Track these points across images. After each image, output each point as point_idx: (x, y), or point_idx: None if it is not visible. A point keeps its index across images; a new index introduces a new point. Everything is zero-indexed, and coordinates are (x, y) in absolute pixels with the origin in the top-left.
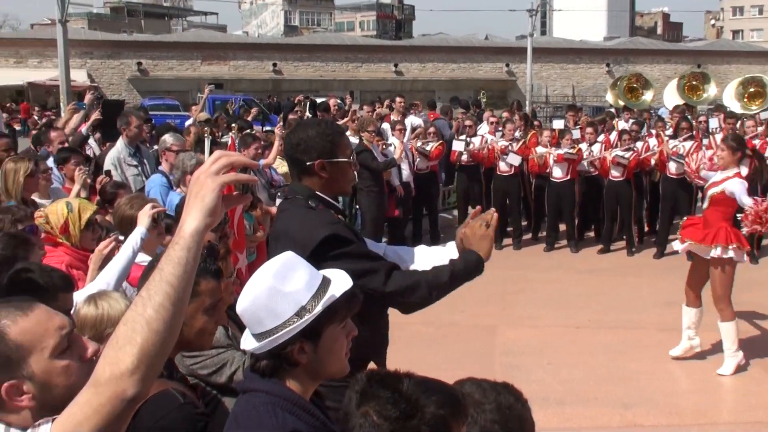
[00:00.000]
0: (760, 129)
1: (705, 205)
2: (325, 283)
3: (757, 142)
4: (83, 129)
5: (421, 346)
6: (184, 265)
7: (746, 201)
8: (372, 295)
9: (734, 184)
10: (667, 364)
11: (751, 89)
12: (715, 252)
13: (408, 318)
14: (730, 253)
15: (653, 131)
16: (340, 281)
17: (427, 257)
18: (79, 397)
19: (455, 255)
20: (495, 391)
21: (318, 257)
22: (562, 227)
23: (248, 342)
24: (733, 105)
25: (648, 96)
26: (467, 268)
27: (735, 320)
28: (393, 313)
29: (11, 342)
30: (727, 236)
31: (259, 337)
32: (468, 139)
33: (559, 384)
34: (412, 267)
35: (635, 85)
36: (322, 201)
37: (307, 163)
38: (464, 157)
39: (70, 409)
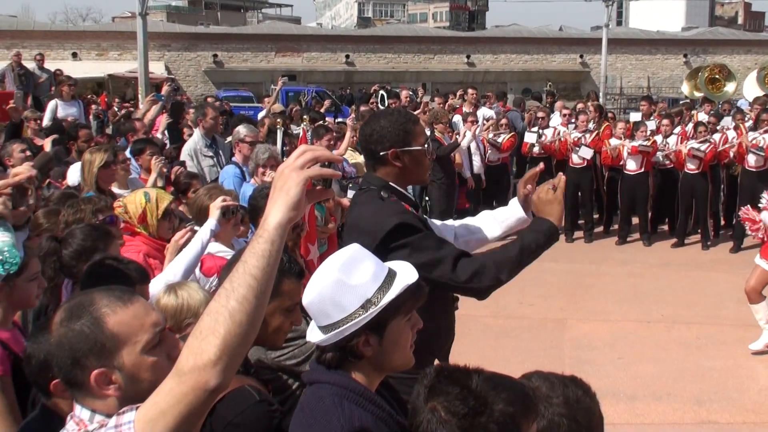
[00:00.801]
0: None
1: None
2: (391, 275)
3: None
4: (158, 133)
5: (490, 338)
6: (268, 257)
7: None
8: (437, 287)
9: None
10: (744, 360)
11: None
12: None
13: (477, 310)
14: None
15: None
16: (406, 274)
17: (493, 221)
18: (162, 386)
19: (519, 212)
20: (563, 384)
21: (386, 247)
22: (635, 220)
23: (314, 334)
24: None
25: (730, 87)
26: (539, 238)
27: (765, 301)
28: (462, 306)
29: (108, 331)
30: None
31: (325, 329)
32: (540, 131)
33: (631, 379)
34: (482, 236)
35: (717, 76)
36: (394, 192)
37: (381, 153)
38: (536, 149)
39: (154, 398)
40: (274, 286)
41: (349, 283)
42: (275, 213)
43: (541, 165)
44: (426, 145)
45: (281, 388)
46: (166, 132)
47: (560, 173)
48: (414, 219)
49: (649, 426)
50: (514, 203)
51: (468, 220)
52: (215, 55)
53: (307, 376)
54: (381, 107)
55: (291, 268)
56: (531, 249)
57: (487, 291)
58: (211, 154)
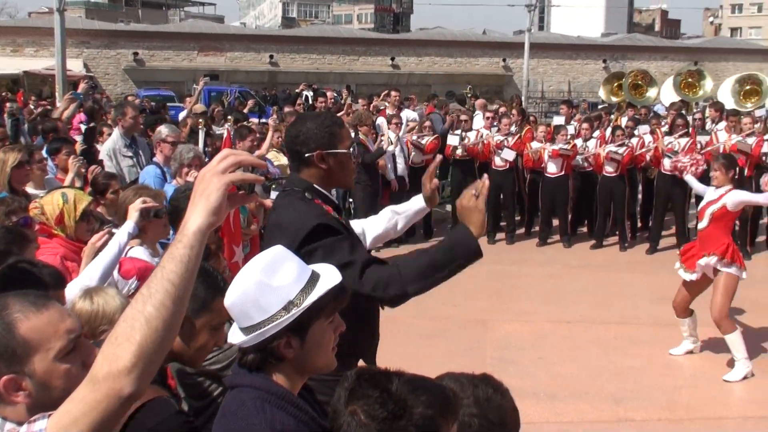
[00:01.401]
0: (757, 126)
1: (704, 224)
2: (314, 278)
3: (753, 139)
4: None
5: (413, 340)
6: (187, 263)
7: (761, 199)
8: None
9: (736, 193)
10: (660, 358)
11: (747, 87)
12: (724, 268)
13: (400, 312)
14: (731, 269)
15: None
16: (329, 276)
17: (393, 214)
18: (75, 393)
19: (419, 203)
20: (472, 384)
21: (303, 248)
22: (556, 222)
23: (236, 336)
24: (729, 102)
25: (652, 93)
26: (454, 257)
27: (737, 330)
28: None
29: (19, 337)
30: (733, 253)
31: (246, 330)
32: (463, 133)
33: (551, 378)
34: (383, 231)
35: (640, 82)
36: (318, 194)
37: (306, 155)
38: (459, 152)
39: (67, 405)
40: (207, 302)
41: (271, 285)
42: (195, 218)
43: (439, 157)
44: (351, 149)
45: (203, 393)
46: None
47: (485, 175)
48: (335, 221)
49: (568, 424)
50: (417, 199)
51: (370, 219)
52: (136, 53)
53: (228, 380)
54: (307, 108)
55: (225, 286)
56: (440, 267)
57: (392, 301)
58: (130, 154)
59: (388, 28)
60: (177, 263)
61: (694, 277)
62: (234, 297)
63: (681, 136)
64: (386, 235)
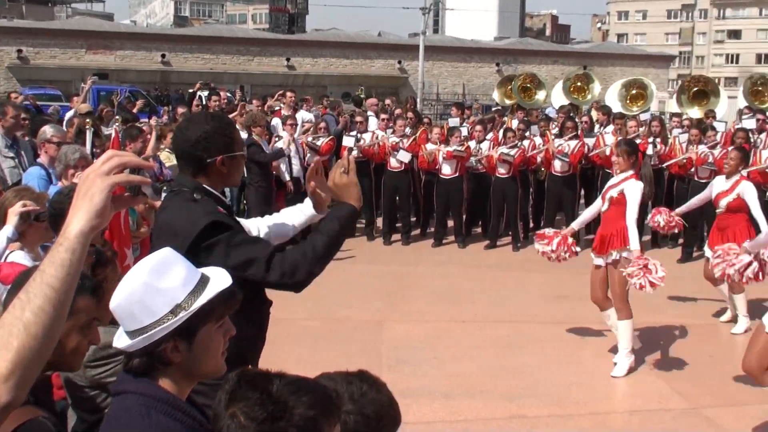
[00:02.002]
0: (642, 129)
1: (605, 207)
2: (204, 280)
3: (638, 141)
4: None
5: (308, 342)
6: (68, 267)
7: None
8: (251, 292)
9: (635, 189)
10: (552, 356)
11: (633, 91)
12: (615, 255)
13: (294, 314)
14: (626, 254)
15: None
16: (219, 279)
17: (297, 210)
18: None
19: (310, 210)
20: (346, 381)
21: (199, 246)
22: (450, 223)
23: (121, 340)
24: (616, 106)
25: (541, 96)
26: (340, 225)
27: (631, 319)
28: (279, 309)
29: None
30: (625, 237)
31: (132, 334)
32: (358, 134)
33: (446, 378)
34: (286, 227)
35: (528, 85)
36: (208, 194)
37: (208, 160)
38: (354, 153)
39: None
40: None
41: (158, 287)
42: (77, 220)
43: (318, 158)
44: (243, 150)
45: (96, 408)
46: None
47: (346, 150)
48: (227, 218)
49: (462, 423)
50: (308, 203)
51: (266, 219)
52: (20, 51)
53: (113, 387)
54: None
55: (83, 284)
56: (335, 238)
57: (302, 285)
58: (12, 154)
59: (283, 29)
60: (57, 267)
61: (601, 262)
62: (120, 299)
63: (570, 138)
64: (279, 239)
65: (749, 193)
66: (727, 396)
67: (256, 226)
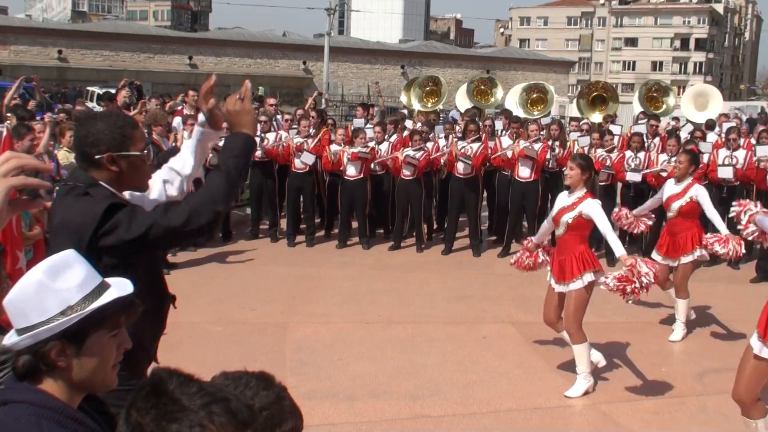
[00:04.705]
0: (543, 133)
1: (561, 231)
2: (102, 286)
3: (539, 145)
4: None
5: (211, 345)
6: None
7: (605, 228)
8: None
9: (595, 207)
10: (455, 356)
11: (534, 95)
12: (577, 284)
13: (197, 317)
14: (589, 278)
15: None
16: (120, 287)
17: (186, 151)
18: None
19: (198, 131)
20: (243, 381)
21: (99, 232)
22: (355, 224)
23: (10, 338)
24: (517, 110)
25: (443, 98)
26: (237, 159)
27: (586, 342)
28: (181, 312)
29: None
30: (584, 263)
31: (20, 332)
32: (263, 135)
33: (350, 379)
34: (185, 171)
35: (435, 88)
36: (104, 192)
37: (96, 157)
38: (258, 153)
39: None
40: None
41: (51, 286)
42: None
43: (214, 77)
44: (145, 151)
45: None
46: None
47: (245, 81)
48: (123, 201)
49: (366, 424)
50: (197, 130)
51: (164, 168)
52: None
53: (1, 395)
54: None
55: None
56: (234, 171)
57: (209, 228)
58: None
59: (185, 26)
60: None
61: (562, 288)
62: (12, 295)
63: (473, 141)
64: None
65: (702, 195)
66: (623, 392)
67: (161, 179)
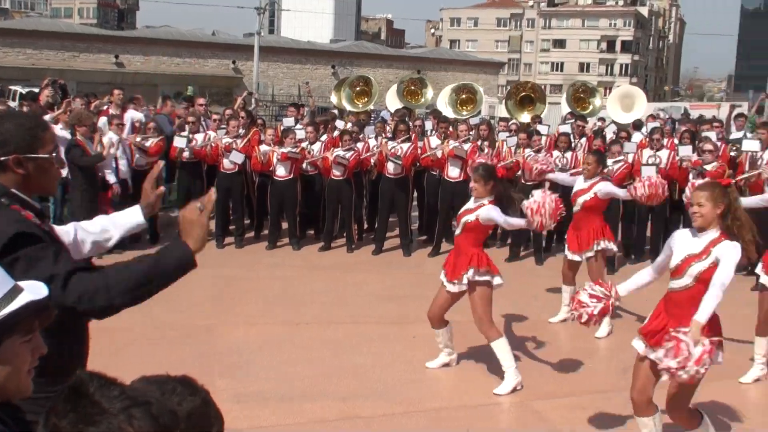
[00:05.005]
0: (472, 133)
1: (458, 231)
2: (15, 291)
3: (468, 145)
4: None
5: (135, 350)
6: None
7: (505, 220)
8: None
9: (489, 210)
10: (387, 356)
11: (463, 95)
12: (478, 277)
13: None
14: (486, 277)
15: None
16: (33, 290)
17: (110, 224)
18: None
19: (139, 217)
20: (163, 383)
21: (4, 258)
22: (285, 225)
23: None
24: (447, 110)
25: (373, 99)
26: (168, 267)
27: (503, 337)
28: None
29: None
30: (479, 261)
31: None
32: (190, 135)
33: (282, 381)
34: (100, 239)
35: (366, 88)
36: (17, 199)
37: (1, 158)
38: (186, 154)
39: None
40: None
41: None
42: None
43: (161, 162)
44: (54, 154)
45: None
46: None
47: (211, 189)
48: (36, 229)
49: (297, 426)
50: (136, 208)
51: (85, 224)
52: None
53: None
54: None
55: None
56: (155, 278)
57: (99, 313)
58: None
59: (111, 25)
60: None
61: (453, 288)
62: None
63: (403, 141)
64: (99, 248)
65: (605, 186)
66: (551, 388)
67: (73, 230)
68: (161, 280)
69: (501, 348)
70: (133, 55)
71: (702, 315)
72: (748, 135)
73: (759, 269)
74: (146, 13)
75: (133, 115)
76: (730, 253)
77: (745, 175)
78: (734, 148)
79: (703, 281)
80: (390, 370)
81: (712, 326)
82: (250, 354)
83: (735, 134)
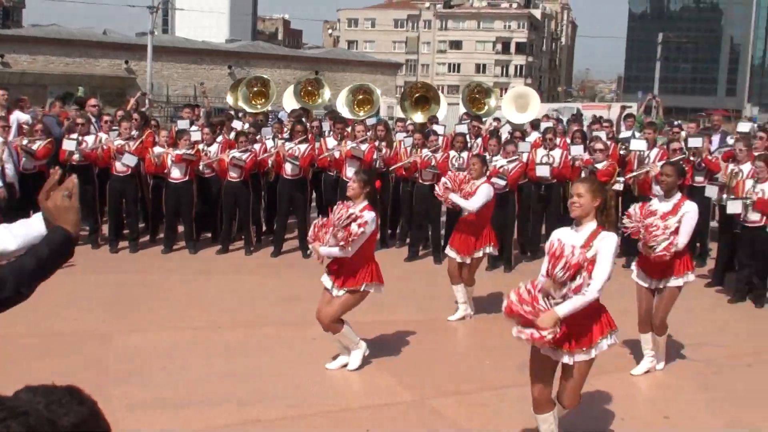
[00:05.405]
0: (369, 134)
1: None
2: None
3: (366, 146)
4: None
5: (26, 359)
6: None
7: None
8: None
9: (365, 216)
10: (286, 358)
11: (360, 96)
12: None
13: (10, 329)
14: (370, 288)
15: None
16: None
17: (8, 234)
18: None
19: (41, 227)
20: (48, 392)
21: None
22: (181, 228)
23: None
24: (344, 111)
25: (270, 100)
26: (54, 249)
27: (345, 326)
28: None
29: None
30: (372, 275)
31: None
32: (80, 137)
33: (178, 387)
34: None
35: (263, 89)
36: None
37: None
38: (76, 157)
39: None
40: None
41: None
42: None
43: (58, 169)
44: None
45: None
46: None
47: (72, 176)
48: None
49: None
50: (38, 217)
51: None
52: None
53: None
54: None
55: None
56: (47, 261)
57: (5, 304)
58: None
59: None
60: None
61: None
62: None
63: (300, 142)
64: None
65: (483, 189)
66: (451, 386)
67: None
68: (51, 264)
69: (345, 335)
70: (19, 55)
71: (563, 309)
72: (637, 135)
73: (633, 267)
74: (33, 12)
75: (19, 116)
76: (608, 245)
77: (634, 174)
78: (624, 147)
79: (587, 272)
80: (290, 373)
81: (593, 314)
82: (147, 360)
83: (624, 134)
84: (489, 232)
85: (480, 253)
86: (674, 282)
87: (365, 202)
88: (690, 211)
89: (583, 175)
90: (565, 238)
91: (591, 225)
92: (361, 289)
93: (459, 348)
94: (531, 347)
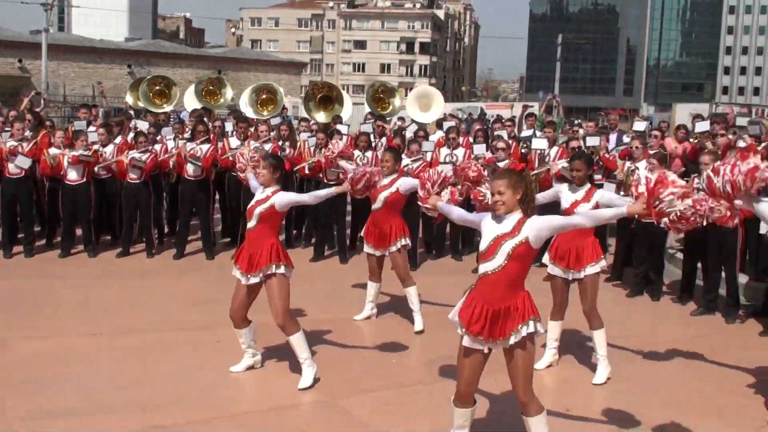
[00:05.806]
0: (273, 134)
1: (252, 224)
2: None
3: (269, 145)
4: None
5: None
6: None
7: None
8: None
9: (283, 195)
10: (191, 362)
11: (263, 96)
12: (277, 270)
13: None
14: (282, 270)
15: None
16: None
17: None
18: None
19: None
20: None
21: None
22: (79, 232)
23: None
24: (247, 110)
25: (173, 100)
26: None
27: (301, 331)
28: None
29: None
30: (278, 255)
31: None
32: None
33: (78, 394)
34: None
35: (164, 89)
36: None
37: None
38: None
39: None
40: None
41: None
42: None
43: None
44: None
45: None
46: None
47: None
48: None
49: None
50: None
51: None
52: None
53: None
54: None
55: None
56: None
57: None
58: None
59: None
60: None
61: (250, 281)
62: None
63: (202, 142)
64: None
65: (406, 182)
66: (359, 386)
67: None
68: None
69: (299, 341)
70: None
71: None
72: (537, 134)
73: (546, 259)
74: None
75: None
76: (540, 221)
77: (535, 171)
78: (525, 145)
79: (516, 258)
80: (194, 377)
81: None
82: (45, 368)
83: (525, 132)
84: (403, 224)
85: (395, 247)
86: (591, 269)
87: (276, 187)
88: (604, 194)
89: (486, 173)
90: (488, 228)
91: (516, 215)
92: (275, 270)
93: (366, 347)
94: (460, 342)
